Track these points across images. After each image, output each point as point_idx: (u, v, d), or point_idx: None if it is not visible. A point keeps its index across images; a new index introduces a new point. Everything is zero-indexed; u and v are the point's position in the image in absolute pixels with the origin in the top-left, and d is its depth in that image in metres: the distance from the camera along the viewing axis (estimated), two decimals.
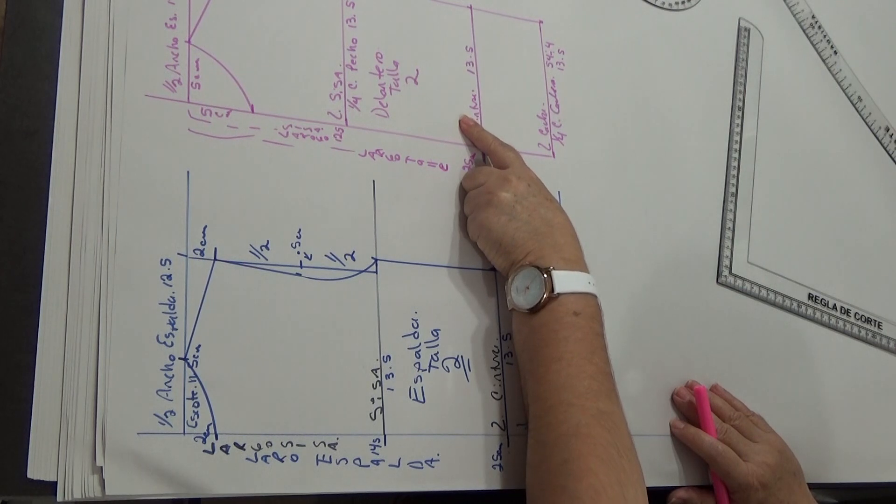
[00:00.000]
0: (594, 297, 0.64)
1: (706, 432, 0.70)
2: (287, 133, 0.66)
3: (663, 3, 0.87)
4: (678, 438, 0.71)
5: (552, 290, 0.62)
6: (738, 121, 0.86)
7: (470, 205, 0.69)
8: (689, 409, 0.72)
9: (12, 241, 0.58)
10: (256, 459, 0.58)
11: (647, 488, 0.59)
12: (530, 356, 0.63)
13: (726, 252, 0.80)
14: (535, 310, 0.63)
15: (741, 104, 0.87)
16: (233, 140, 0.64)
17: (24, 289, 0.56)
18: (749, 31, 0.90)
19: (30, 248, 0.57)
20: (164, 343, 0.58)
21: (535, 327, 0.63)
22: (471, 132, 0.73)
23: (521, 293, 0.64)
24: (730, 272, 0.80)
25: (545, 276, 0.63)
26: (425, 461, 0.62)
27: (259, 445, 0.58)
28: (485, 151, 0.72)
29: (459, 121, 0.73)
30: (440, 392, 0.65)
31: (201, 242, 0.61)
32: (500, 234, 0.66)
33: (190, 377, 0.58)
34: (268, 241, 0.63)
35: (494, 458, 0.65)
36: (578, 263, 0.65)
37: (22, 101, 0.60)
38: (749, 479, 0.67)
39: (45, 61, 0.61)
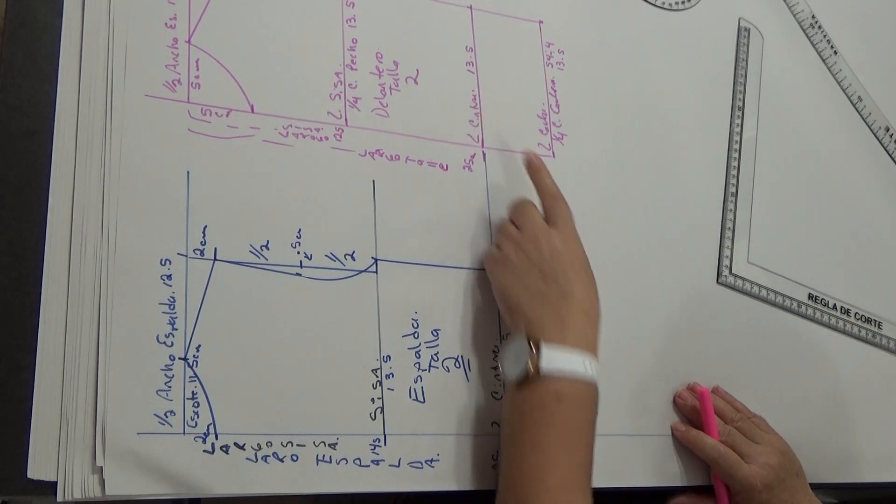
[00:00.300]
0: (587, 381, 0.60)
1: (708, 434, 0.70)
2: (287, 133, 0.66)
3: (663, 3, 0.87)
4: (680, 441, 0.71)
5: (537, 367, 0.58)
6: (738, 121, 0.86)
7: (495, 239, 0.67)
8: (691, 411, 0.72)
9: (12, 241, 0.57)
10: (256, 459, 0.58)
11: (650, 489, 0.59)
12: (509, 434, 0.60)
13: (726, 252, 0.80)
14: (520, 386, 0.59)
15: (741, 104, 0.87)
16: (233, 140, 0.64)
17: (24, 289, 0.56)
18: (749, 31, 0.90)
19: (30, 248, 0.57)
20: (164, 343, 0.58)
21: (516, 404, 0.60)
22: (533, 172, 0.69)
23: (511, 362, 0.60)
24: (730, 272, 0.80)
25: (533, 350, 0.59)
26: (425, 461, 0.62)
27: (259, 445, 0.58)
28: (539, 196, 0.68)
29: (528, 157, 0.69)
30: (440, 392, 0.65)
31: (201, 242, 0.61)
32: (506, 292, 0.64)
33: (190, 377, 0.58)
34: (268, 241, 0.63)
35: (494, 458, 0.65)
36: (581, 342, 0.60)
37: (22, 101, 0.60)
38: (752, 481, 0.67)
39: (45, 61, 0.61)
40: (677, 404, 0.73)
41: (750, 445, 0.70)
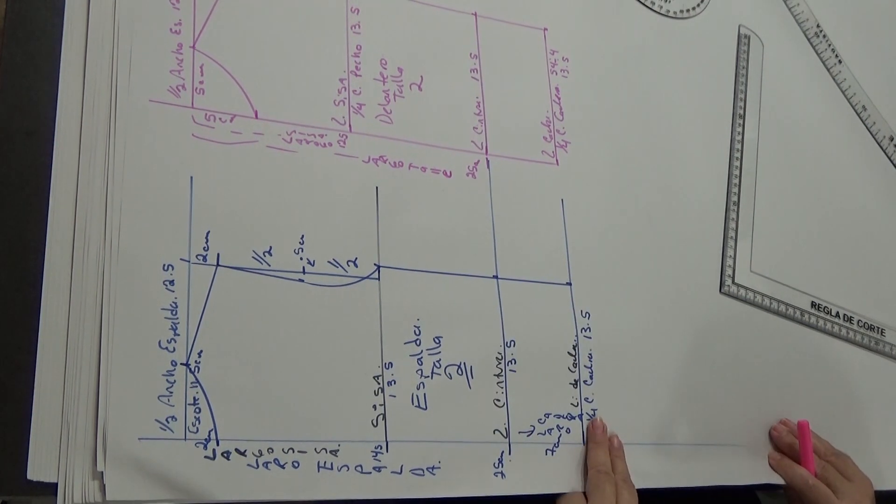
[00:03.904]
0: None
1: (805, 467, 0.72)
2: (291, 139, 0.66)
3: (667, 10, 0.87)
4: (774, 468, 0.74)
5: None
6: (740, 129, 0.86)
7: None
8: (787, 447, 0.74)
9: (12, 242, 0.57)
10: (257, 466, 0.58)
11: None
12: None
13: (729, 261, 0.80)
14: None
15: (742, 112, 0.86)
16: (236, 146, 0.64)
17: (25, 290, 0.56)
18: (749, 38, 0.90)
19: (30, 248, 0.57)
20: (166, 348, 0.58)
21: None
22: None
23: None
24: (732, 281, 0.79)
25: None
26: (427, 468, 0.62)
27: (260, 452, 0.58)
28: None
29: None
30: (442, 399, 0.65)
31: (204, 248, 0.61)
32: None
33: (191, 383, 0.58)
34: (270, 247, 0.63)
35: (496, 465, 0.64)
36: None
37: (22, 101, 0.60)
38: None
39: (45, 61, 0.61)
40: (772, 437, 0.75)
41: (843, 483, 0.71)
